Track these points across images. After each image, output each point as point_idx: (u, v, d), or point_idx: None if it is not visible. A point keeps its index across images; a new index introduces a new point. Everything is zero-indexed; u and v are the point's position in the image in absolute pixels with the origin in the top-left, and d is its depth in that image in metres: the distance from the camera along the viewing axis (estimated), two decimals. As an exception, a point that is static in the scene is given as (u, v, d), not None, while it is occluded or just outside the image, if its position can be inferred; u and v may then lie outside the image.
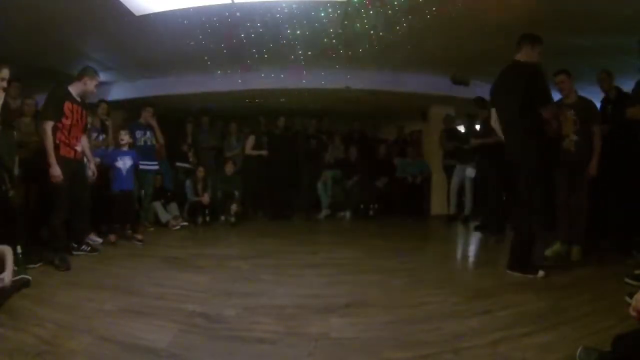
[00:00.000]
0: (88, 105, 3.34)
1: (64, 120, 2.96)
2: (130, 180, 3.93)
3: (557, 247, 3.25)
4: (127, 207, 3.93)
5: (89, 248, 3.28)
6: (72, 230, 3.27)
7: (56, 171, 2.89)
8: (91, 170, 3.40)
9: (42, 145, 2.92)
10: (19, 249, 2.58)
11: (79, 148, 3.14)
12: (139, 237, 3.91)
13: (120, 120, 5.48)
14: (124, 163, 3.88)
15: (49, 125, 2.88)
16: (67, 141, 3.00)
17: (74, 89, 3.08)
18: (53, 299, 2.26)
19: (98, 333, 1.79)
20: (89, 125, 3.78)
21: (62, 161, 2.95)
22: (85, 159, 3.35)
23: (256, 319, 2.02)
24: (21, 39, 3.67)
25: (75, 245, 3.25)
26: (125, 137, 3.95)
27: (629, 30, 3.38)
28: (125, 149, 3.95)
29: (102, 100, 4.79)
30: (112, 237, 3.75)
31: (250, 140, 5.72)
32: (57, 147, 2.94)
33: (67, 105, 2.98)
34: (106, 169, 3.91)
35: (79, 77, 3.11)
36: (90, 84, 3.11)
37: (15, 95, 3.48)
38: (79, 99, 3.10)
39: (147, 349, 1.66)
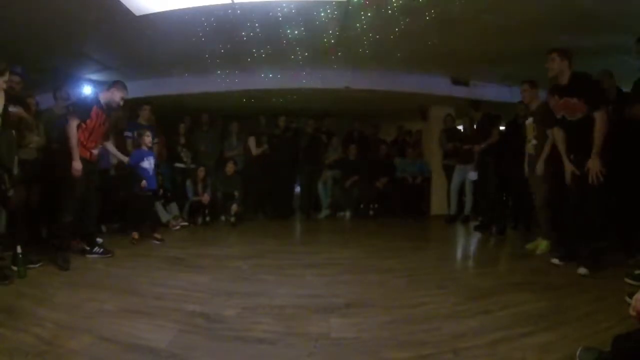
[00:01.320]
0: (110, 111, 3.45)
1: (88, 122, 3.14)
2: (154, 179, 4.07)
3: (538, 242, 3.53)
4: (151, 206, 4.10)
5: (102, 250, 3.30)
6: (83, 233, 3.35)
7: (78, 165, 3.02)
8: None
9: (66, 141, 3.04)
10: (19, 249, 2.59)
11: (95, 151, 3.28)
12: (158, 236, 4.00)
13: (117, 120, 5.46)
14: (150, 163, 3.99)
15: (74, 124, 3.05)
16: (85, 142, 3.14)
17: (102, 97, 3.29)
18: (53, 299, 2.26)
19: (98, 333, 1.80)
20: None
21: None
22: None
23: (256, 319, 2.02)
24: (21, 39, 3.66)
25: (88, 248, 3.29)
26: (149, 138, 4.05)
27: (628, 30, 3.38)
28: (147, 148, 4.05)
29: None
30: (135, 234, 3.89)
31: (252, 142, 5.72)
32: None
33: (95, 109, 3.18)
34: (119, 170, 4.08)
35: (109, 87, 3.35)
36: (116, 94, 3.31)
37: (18, 92, 3.49)
38: (104, 107, 3.29)
39: (147, 349, 1.66)
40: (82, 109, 3.16)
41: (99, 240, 3.49)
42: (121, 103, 3.38)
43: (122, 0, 3.11)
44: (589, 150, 2.71)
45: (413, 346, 1.70)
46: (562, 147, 2.98)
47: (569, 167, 2.89)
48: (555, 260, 3.02)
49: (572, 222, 2.97)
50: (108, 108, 3.33)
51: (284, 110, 6.03)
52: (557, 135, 3.01)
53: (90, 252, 3.26)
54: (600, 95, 2.77)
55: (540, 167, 3.36)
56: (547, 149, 3.33)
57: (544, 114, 3.37)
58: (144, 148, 4.03)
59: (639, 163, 3.05)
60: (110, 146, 3.72)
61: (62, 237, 3.05)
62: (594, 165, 2.67)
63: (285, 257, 3.43)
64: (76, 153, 3.03)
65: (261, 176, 5.69)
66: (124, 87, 3.39)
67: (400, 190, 6.02)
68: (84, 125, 3.12)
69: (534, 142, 3.50)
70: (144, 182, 3.88)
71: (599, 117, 2.68)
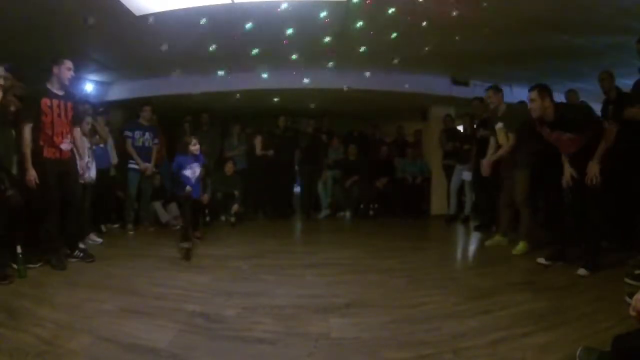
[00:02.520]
0: (76, 97, 3.20)
1: (43, 118, 2.87)
2: (198, 188, 3.96)
3: (497, 238, 3.81)
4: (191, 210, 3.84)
5: (82, 254, 3.13)
6: (64, 235, 3.12)
7: (29, 175, 2.80)
8: (80, 167, 3.25)
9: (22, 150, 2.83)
10: (19, 249, 2.59)
11: (64, 146, 3.00)
12: (198, 234, 4.07)
13: (120, 120, 5.48)
14: (193, 171, 3.83)
15: (27, 128, 2.81)
16: (50, 141, 2.91)
17: (52, 85, 2.97)
18: (53, 299, 2.26)
19: (98, 333, 1.80)
20: (87, 122, 3.75)
21: (46, 163, 2.88)
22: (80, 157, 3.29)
23: (256, 319, 2.02)
24: (21, 39, 3.66)
25: (68, 251, 3.11)
26: (197, 146, 3.87)
27: (628, 30, 3.37)
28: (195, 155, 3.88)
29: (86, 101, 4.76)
30: (198, 233, 4.01)
31: (259, 141, 5.72)
32: (40, 149, 2.87)
33: (44, 101, 2.88)
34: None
35: (51, 72, 2.97)
36: (59, 71, 2.94)
37: (8, 88, 3.48)
38: (60, 93, 2.99)
39: (147, 349, 1.66)
40: (29, 108, 2.86)
41: (96, 240, 3.45)
42: (72, 73, 3.00)
43: (122, 0, 3.11)
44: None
45: (413, 346, 1.70)
46: (564, 158, 2.97)
47: (568, 171, 2.89)
48: (542, 260, 3.03)
49: (566, 222, 2.97)
50: (65, 91, 3.03)
51: (284, 110, 6.03)
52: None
53: (71, 256, 3.09)
54: (594, 121, 2.75)
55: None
56: (502, 152, 3.54)
57: (511, 118, 3.53)
58: (190, 155, 3.84)
59: (638, 163, 3.06)
60: (77, 137, 3.22)
61: (50, 240, 2.93)
62: (592, 169, 2.68)
63: (285, 257, 3.43)
64: (28, 162, 2.79)
65: (261, 176, 5.70)
66: (61, 59, 2.98)
67: (400, 190, 6.02)
68: (41, 124, 2.86)
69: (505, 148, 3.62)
70: (188, 188, 3.69)
71: (609, 130, 2.67)
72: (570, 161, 2.89)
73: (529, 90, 2.90)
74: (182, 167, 3.81)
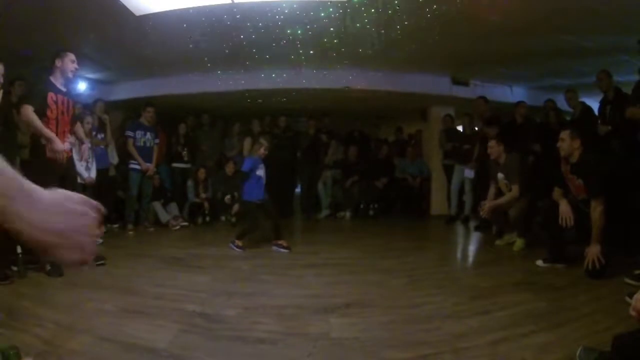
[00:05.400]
0: (74, 95, 3.09)
1: (48, 113, 2.71)
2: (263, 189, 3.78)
3: (508, 238, 3.79)
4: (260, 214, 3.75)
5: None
6: None
7: (58, 146, 2.66)
8: (82, 151, 3.09)
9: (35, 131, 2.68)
10: (19, 249, 2.59)
11: (66, 146, 2.86)
12: (284, 244, 3.59)
13: (120, 120, 5.48)
14: (263, 172, 3.75)
15: (29, 108, 2.61)
16: None
17: (55, 79, 2.82)
18: (53, 299, 2.26)
19: (98, 333, 1.80)
20: (88, 122, 3.70)
21: (47, 164, 2.71)
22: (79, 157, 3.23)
23: (256, 319, 2.02)
24: (21, 38, 3.66)
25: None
26: (265, 152, 3.75)
27: (629, 30, 3.38)
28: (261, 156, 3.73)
29: (99, 99, 4.78)
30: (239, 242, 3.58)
31: (247, 143, 5.71)
32: (43, 149, 2.71)
33: (51, 95, 2.73)
34: None
35: (53, 65, 2.82)
36: (62, 63, 2.79)
37: (20, 94, 3.48)
38: (63, 89, 2.85)
39: (147, 349, 1.66)
40: (35, 96, 2.71)
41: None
42: (75, 66, 2.86)
43: (122, 0, 3.11)
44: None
45: (413, 346, 1.70)
46: (559, 194, 2.99)
47: (565, 209, 2.86)
48: (540, 262, 3.02)
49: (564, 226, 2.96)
50: (67, 87, 2.89)
51: (284, 110, 6.03)
52: (557, 193, 3.00)
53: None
54: (599, 186, 2.72)
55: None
56: (504, 200, 3.59)
57: (512, 169, 3.62)
58: (258, 157, 3.73)
59: (636, 163, 3.06)
60: (78, 127, 3.06)
61: None
62: (592, 252, 2.61)
63: (285, 257, 3.43)
64: (48, 133, 2.62)
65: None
66: (64, 52, 2.83)
67: (400, 190, 6.02)
68: (45, 119, 2.69)
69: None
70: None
71: (594, 206, 2.67)
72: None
73: (562, 129, 2.95)
74: (256, 167, 3.67)
